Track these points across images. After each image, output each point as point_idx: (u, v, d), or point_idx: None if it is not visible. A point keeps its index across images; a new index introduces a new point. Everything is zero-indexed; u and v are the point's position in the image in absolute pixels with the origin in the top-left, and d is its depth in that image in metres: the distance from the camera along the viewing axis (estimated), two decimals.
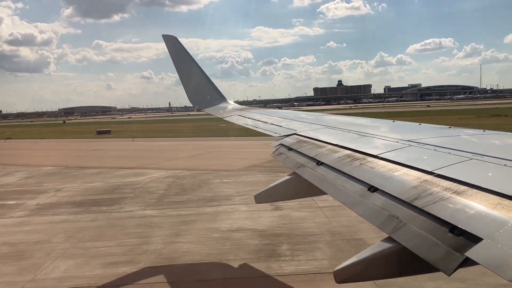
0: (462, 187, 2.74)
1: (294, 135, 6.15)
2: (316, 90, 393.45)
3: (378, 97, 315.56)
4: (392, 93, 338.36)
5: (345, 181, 3.67)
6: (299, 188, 5.02)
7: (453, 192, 2.73)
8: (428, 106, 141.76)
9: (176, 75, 11.70)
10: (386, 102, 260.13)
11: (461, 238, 2.28)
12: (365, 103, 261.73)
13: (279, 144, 5.96)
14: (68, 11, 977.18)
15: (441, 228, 2.43)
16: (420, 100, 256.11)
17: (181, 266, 11.08)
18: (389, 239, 2.75)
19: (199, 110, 12.21)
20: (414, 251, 2.42)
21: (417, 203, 2.75)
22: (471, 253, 2.15)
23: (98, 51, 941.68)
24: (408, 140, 4.34)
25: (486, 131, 4.63)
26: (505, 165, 3.01)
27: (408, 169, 3.37)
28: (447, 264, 2.21)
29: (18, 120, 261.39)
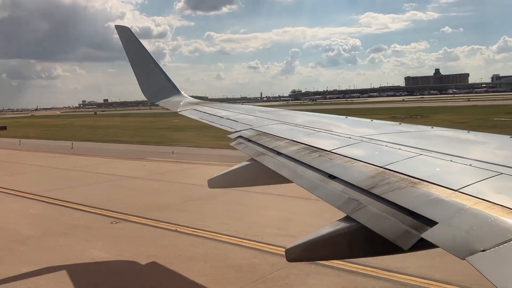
0: (416, 180, 2.84)
1: (251, 129, 6.09)
2: (407, 79, 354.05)
3: (467, 88, 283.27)
4: (484, 83, 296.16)
5: (305, 170, 3.72)
6: (257, 175, 4.97)
7: (409, 183, 2.84)
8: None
9: None
10: (474, 93, 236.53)
11: (417, 222, 2.39)
12: (451, 94, 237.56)
13: (238, 136, 5.93)
14: (180, 4, 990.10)
15: (398, 212, 2.53)
16: None
17: None
18: (345, 219, 2.79)
19: (152, 104, 11.51)
20: (373, 229, 2.50)
21: (375, 191, 2.83)
22: (427, 235, 2.27)
23: (208, 42, 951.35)
24: (360, 136, 4.40)
25: (434, 127, 4.75)
26: (451, 160, 3.15)
27: (362, 163, 3.45)
28: (405, 240, 2.32)
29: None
